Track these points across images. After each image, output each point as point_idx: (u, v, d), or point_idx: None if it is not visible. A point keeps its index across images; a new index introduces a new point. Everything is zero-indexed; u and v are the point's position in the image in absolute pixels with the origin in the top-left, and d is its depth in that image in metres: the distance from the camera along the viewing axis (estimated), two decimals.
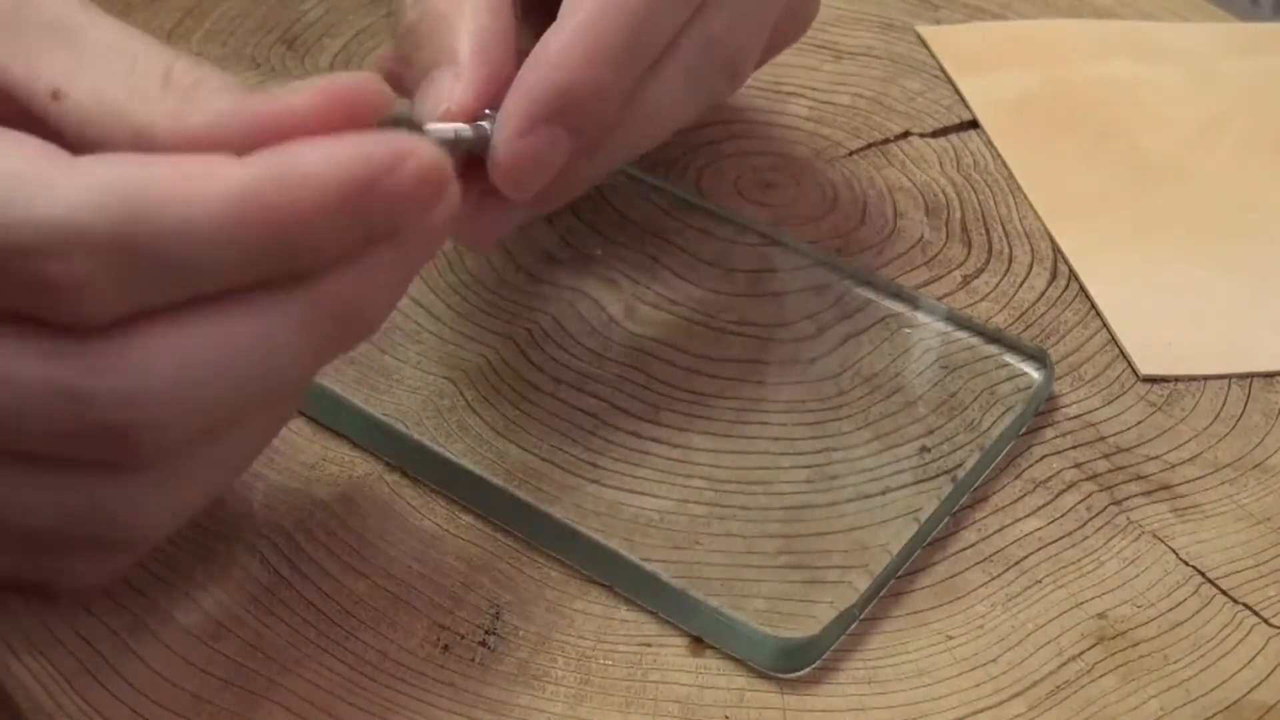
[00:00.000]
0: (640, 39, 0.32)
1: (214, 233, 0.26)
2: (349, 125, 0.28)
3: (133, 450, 0.27)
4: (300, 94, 0.28)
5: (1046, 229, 0.43)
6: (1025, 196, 0.45)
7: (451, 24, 0.32)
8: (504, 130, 0.32)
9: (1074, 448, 0.37)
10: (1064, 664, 0.32)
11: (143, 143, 0.28)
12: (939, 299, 0.40)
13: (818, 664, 0.31)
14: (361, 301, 0.28)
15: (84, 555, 0.29)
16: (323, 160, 0.27)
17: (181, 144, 0.28)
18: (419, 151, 0.28)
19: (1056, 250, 0.43)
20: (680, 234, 0.41)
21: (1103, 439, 0.37)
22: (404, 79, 0.33)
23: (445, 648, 0.31)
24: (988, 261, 0.42)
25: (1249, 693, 0.31)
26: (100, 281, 0.25)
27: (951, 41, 0.51)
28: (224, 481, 0.31)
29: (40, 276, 0.25)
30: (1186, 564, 0.34)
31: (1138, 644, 0.32)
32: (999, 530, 0.34)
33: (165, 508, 0.28)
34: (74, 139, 0.29)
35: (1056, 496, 0.35)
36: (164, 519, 0.29)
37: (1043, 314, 0.41)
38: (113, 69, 0.28)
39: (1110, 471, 0.36)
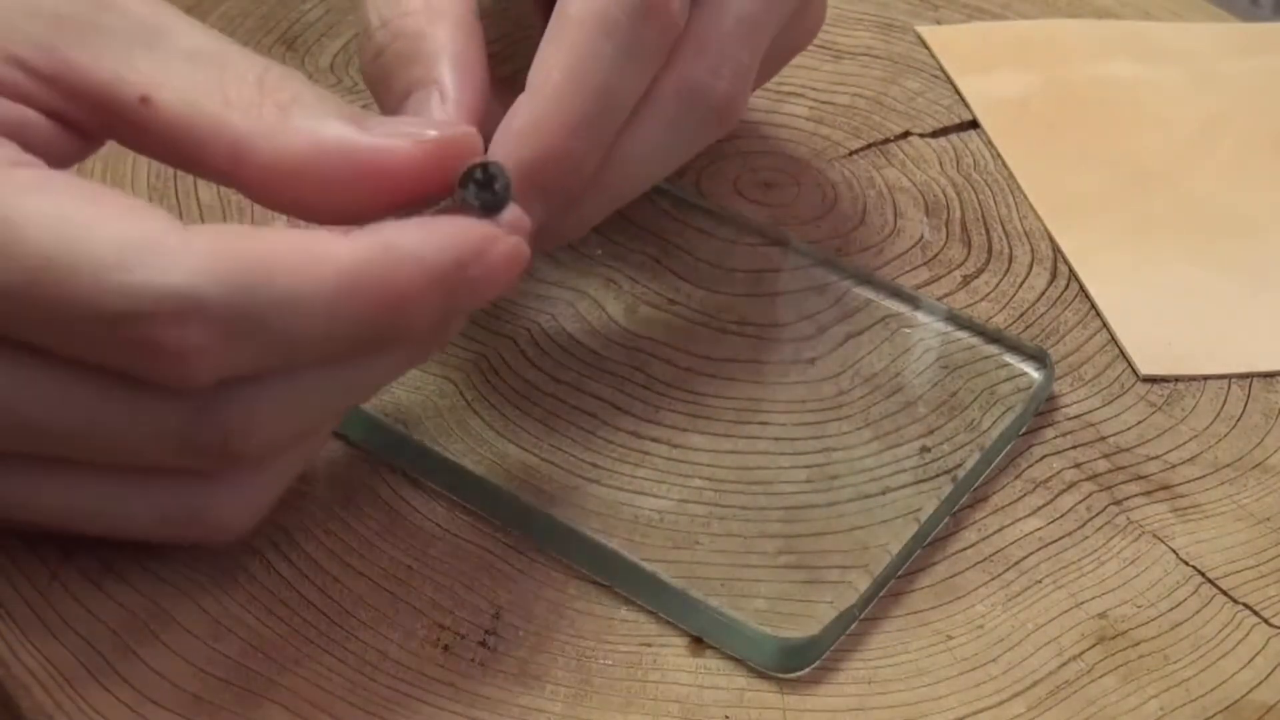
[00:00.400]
0: (608, 103, 0.32)
1: (325, 308, 0.27)
2: (442, 175, 0.29)
3: (225, 463, 0.28)
4: (405, 141, 0.29)
5: (1046, 229, 0.43)
6: (1025, 196, 0.45)
7: (427, 46, 0.32)
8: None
9: (1074, 448, 0.37)
10: (1064, 664, 0.32)
11: (240, 155, 0.28)
12: (939, 299, 0.40)
13: (818, 664, 0.31)
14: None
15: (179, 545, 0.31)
16: (423, 242, 0.28)
17: (281, 166, 0.28)
18: (504, 237, 0.29)
19: (1056, 250, 0.43)
20: (680, 234, 0.41)
21: (1103, 439, 0.37)
22: (378, 102, 0.33)
23: (445, 648, 0.31)
24: (988, 261, 0.42)
25: (1249, 693, 0.31)
26: (210, 350, 0.26)
27: (951, 41, 0.51)
28: (298, 470, 0.31)
29: (152, 342, 0.26)
30: (1186, 564, 0.34)
31: (1138, 644, 0.32)
32: (999, 530, 0.34)
33: (251, 505, 0.30)
34: (163, 145, 0.29)
35: (1056, 496, 0.35)
36: (249, 517, 0.30)
37: (1043, 314, 0.41)
38: (203, 74, 0.29)
39: (1110, 471, 0.36)
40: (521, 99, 0.32)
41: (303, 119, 0.29)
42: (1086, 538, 0.34)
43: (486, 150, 0.31)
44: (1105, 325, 0.40)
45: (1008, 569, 0.34)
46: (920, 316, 0.39)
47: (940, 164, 0.45)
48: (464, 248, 0.28)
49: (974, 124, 0.47)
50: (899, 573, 0.33)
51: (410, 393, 0.35)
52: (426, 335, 0.29)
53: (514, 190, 0.30)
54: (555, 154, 0.31)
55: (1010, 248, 0.43)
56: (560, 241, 0.35)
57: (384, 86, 0.33)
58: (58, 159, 0.29)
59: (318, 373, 0.28)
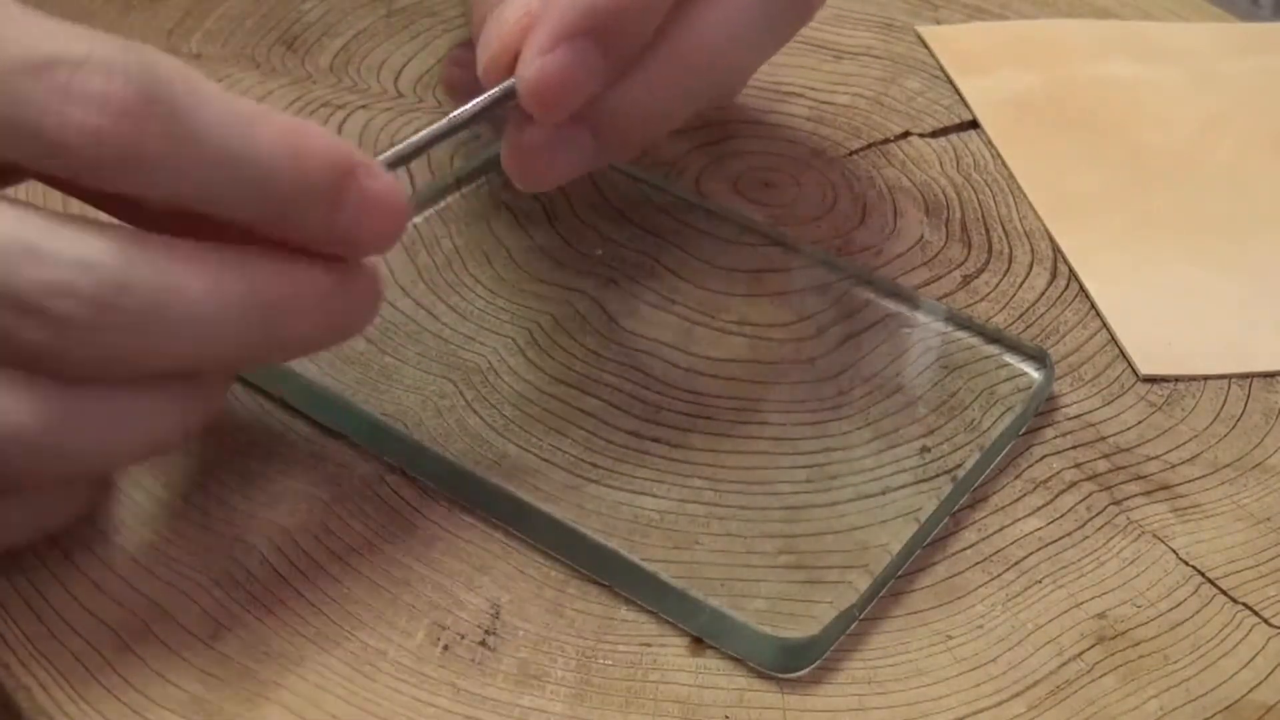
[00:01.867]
0: None
1: (212, 313, 0.27)
2: None
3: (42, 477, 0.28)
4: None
5: (1046, 229, 0.43)
6: (1025, 196, 0.45)
7: None
8: (528, 48, 0.31)
9: (1074, 448, 0.37)
10: (1064, 664, 0.32)
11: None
12: (939, 299, 0.40)
13: (818, 664, 0.31)
14: None
15: None
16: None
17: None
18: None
19: (1056, 250, 0.43)
20: (680, 234, 0.41)
21: (1103, 439, 0.37)
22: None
23: (445, 648, 0.31)
24: (988, 261, 0.42)
25: (1249, 693, 0.31)
26: (97, 337, 0.26)
27: (951, 41, 0.51)
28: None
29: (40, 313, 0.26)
30: (1186, 564, 0.34)
31: (1138, 644, 0.32)
32: (999, 530, 0.34)
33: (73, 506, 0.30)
34: None
35: (1056, 496, 0.35)
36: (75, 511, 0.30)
37: (1043, 314, 0.41)
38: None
39: (1110, 471, 0.36)
40: None
41: None
42: (1086, 538, 0.34)
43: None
44: (1105, 325, 0.40)
45: (1008, 569, 0.34)
46: (920, 316, 0.39)
47: (940, 164, 0.45)
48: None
49: (974, 124, 0.47)
50: (899, 573, 0.33)
51: (410, 393, 0.35)
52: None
53: (561, 34, 0.30)
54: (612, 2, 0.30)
55: (1010, 248, 0.43)
56: (643, 127, 0.34)
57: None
58: None
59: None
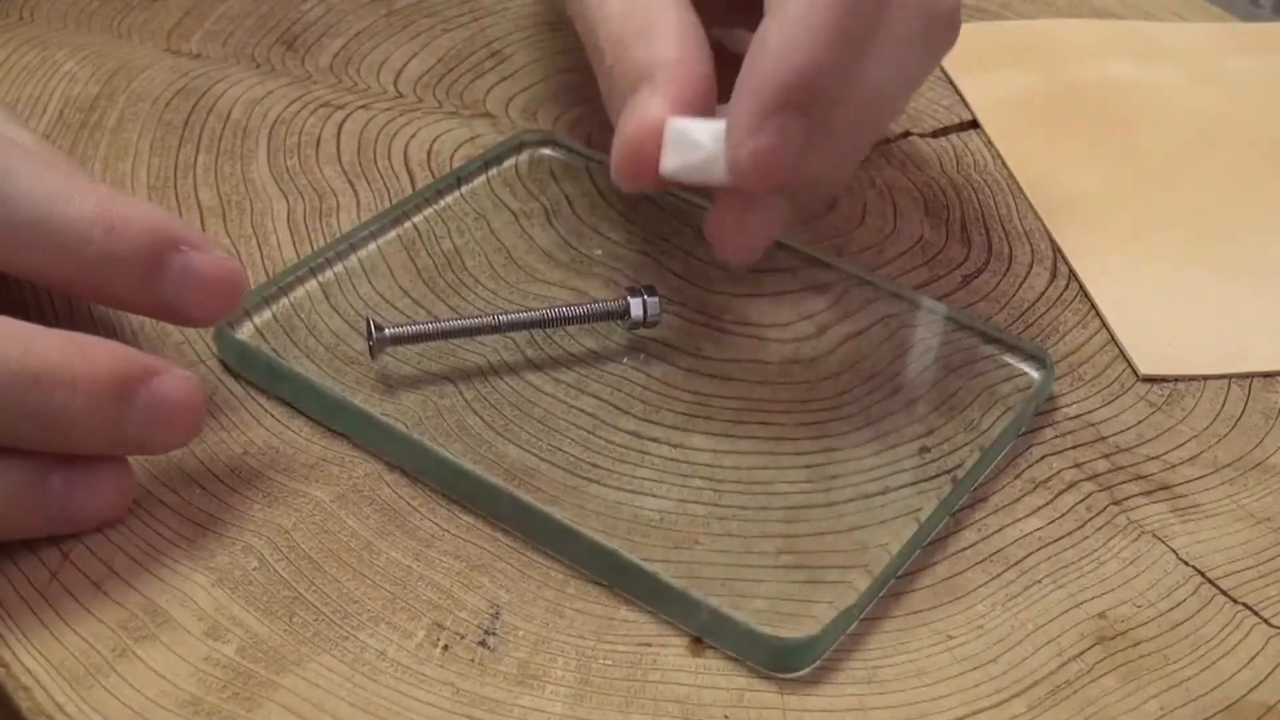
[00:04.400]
0: (857, 16, 0.32)
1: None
2: None
3: None
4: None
5: (1046, 229, 0.43)
6: (1025, 196, 0.45)
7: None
8: (736, 130, 0.32)
9: (1074, 448, 0.37)
10: (1064, 664, 0.32)
11: None
12: (939, 299, 0.40)
13: (818, 664, 0.31)
14: None
15: None
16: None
17: None
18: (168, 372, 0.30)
19: (1056, 250, 0.43)
20: (680, 234, 0.41)
21: (1103, 439, 0.37)
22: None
23: (445, 648, 0.31)
24: (988, 261, 0.42)
25: (1249, 693, 0.31)
26: None
27: None
28: None
29: None
30: (1186, 564, 0.34)
31: (1138, 644, 0.32)
32: (999, 530, 0.34)
33: None
34: None
35: (1056, 496, 0.35)
36: None
37: (1043, 314, 0.41)
38: None
39: (1110, 471, 0.36)
40: (768, 22, 0.32)
41: None
42: (1086, 538, 0.34)
43: (739, 77, 0.32)
44: (1105, 325, 0.40)
45: (1008, 569, 0.34)
46: (920, 317, 0.39)
47: (940, 164, 0.45)
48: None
49: (974, 124, 0.47)
50: (899, 573, 0.33)
51: (410, 393, 0.35)
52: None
53: (766, 112, 0.31)
54: (809, 70, 0.31)
55: (1010, 248, 0.43)
56: (826, 182, 0.35)
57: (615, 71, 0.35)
58: None
59: None
